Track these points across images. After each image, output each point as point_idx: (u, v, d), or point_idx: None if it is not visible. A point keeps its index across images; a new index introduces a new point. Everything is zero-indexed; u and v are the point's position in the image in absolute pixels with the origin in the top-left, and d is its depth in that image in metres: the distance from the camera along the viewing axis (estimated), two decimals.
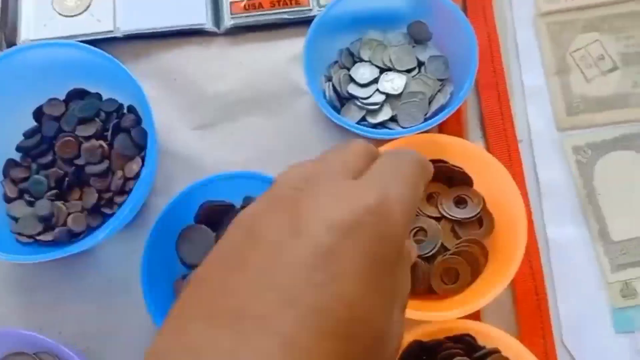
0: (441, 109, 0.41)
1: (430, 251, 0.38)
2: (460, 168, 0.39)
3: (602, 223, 0.41)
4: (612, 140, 0.42)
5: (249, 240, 0.21)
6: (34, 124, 0.43)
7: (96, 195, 0.41)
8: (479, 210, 0.38)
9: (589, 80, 0.44)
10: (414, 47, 0.44)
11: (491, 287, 0.36)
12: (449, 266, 0.38)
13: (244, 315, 0.19)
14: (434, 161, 0.40)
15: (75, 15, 0.46)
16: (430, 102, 0.42)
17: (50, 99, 0.43)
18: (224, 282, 0.21)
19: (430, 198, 0.40)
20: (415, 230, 0.39)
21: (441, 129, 0.43)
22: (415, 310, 0.35)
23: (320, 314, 0.20)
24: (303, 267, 0.20)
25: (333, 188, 0.22)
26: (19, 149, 0.43)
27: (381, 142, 0.41)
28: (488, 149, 0.43)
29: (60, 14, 0.46)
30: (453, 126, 0.42)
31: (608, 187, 0.41)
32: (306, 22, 0.45)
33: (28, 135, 0.43)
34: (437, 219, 0.39)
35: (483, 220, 0.39)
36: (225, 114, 0.45)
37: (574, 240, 0.41)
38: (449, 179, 0.40)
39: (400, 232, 0.22)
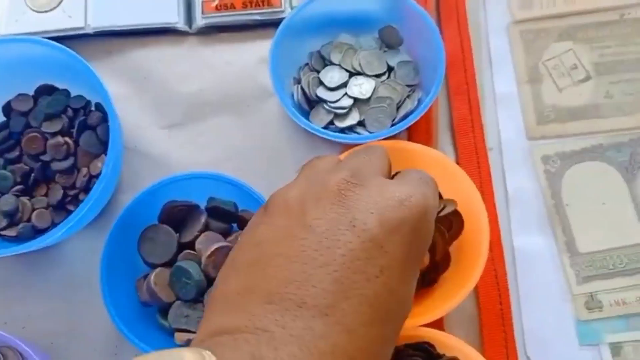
0: (408, 115, 0.41)
1: None
2: None
3: (569, 234, 0.40)
4: (581, 151, 0.42)
5: (302, 228, 0.23)
6: (2, 119, 0.43)
7: (61, 191, 0.41)
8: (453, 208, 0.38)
9: (561, 90, 0.43)
10: (385, 51, 0.44)
11: (452, 295, 0.36)
12: None
13: (306, 304, 0.21)
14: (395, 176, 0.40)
15: (47, 11, 0.46)
16: (398, 108, 0.41)
17: (19, 94, 0.43)
18: (280, 269, 0.22)
19: None
20: None
21: (410, 135, 0.42)
22: None
23: (373, 304, 0.22)
24: (356, 259, 0.22)
25: (379, 184, 0.25)
26: None
27: (347, 146, 0.40)
28: (457, 157, 0.43)
29: (32, 10, 0.46)
30: (422, 133, 0.42)
31: (576, 198, 0.41)
32: (278, 23, 0.45)
33: None
34: None
35: (452, 221, 0.39)
36: (194, 113, 0.44)
37: (541, 251, 0.40)
38: None
39: (432, 228, 0.26)
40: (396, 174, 0.31)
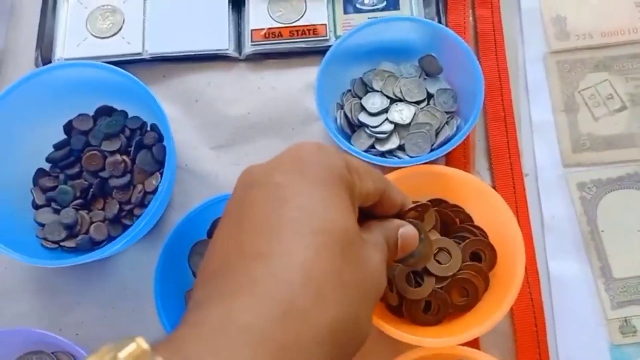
0: (447, 140, 0.43)
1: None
2: (459, 207, 0.41)
3: (604, 260, 0.41)
4: (617, 179, 0.43)
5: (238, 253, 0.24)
6: (64, 137, 0.46)
7: (118, 206, 0.43)
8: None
9: (597, 119, 0.45)
10: (425, 79, 0.45)
11: (488, 317, 0.37)
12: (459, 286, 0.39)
13: (248, 259, 0.23)
14: (433, 203, 0.41)
15: (107, 37, 0.49)
16: (437, 134, 0.43)
17: (80, 114, 0.46)
18: (231, 237, 0.24)
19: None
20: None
21: (448, 160, 0.44)
22: (413, 336, 0.36)
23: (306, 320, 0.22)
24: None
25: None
26: (48, 159, 0.45)
27: (388, 169, 0.42)
28: (494, 182, 0.44)
29: (93, 35, 0.49)
30: (459, 158, 0.44)
31: (611, 225, 0.42)
32: (323, 51, 0.47)
33: (58, 147, 0.46)
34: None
35: (485, 254, 0.40)
36: (242, 136, 0.47)
37: (576, 276, 0.41)
38: (447, 217, 0.41)
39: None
40: None
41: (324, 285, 0.23)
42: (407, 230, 0.30)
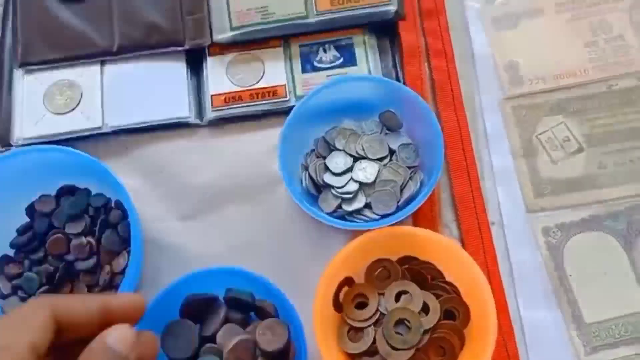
0: (412, 196, 0.43)
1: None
2: (430, 264, 0.41)
3: (574, 306, 0.42)
4: (580, 222, 0.44)
5: None
6: (26, 219, 0.45)
7: (85, 290, 0.43)
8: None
9: (556, 162, 0.45)
10: (386, 134, 0.46)
11: None
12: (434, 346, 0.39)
13: None
14: (404, 260, 0.42)
15: (65, 113, 0.49)
16: (402, 190, 0.43)
17: (42, 195, 0.46)
18: None
19: (400, 295, 0.41)
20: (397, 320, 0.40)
21: (415, 215, 0.44)
22: None
23: None
24: None
25: None
26: (12, 245, 0.45)
27: (359, 232, 0.42)
28: (461, 233, 0.44)
29: (51, 112, 0.49)
30: (426, 213, 0.44)
31: (578, 269, 0.43)
32: (284, 112, 0.48)
33: (21, 231, 0.45)
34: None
35: (459, 311, 0.40)
36: (208, 204, 0.47)
37: (548, 323, 0.42)
38: (419, 275, 0.41)
39: None
40: None
41: None
42: (115, 334, 0.27)
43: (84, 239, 0.43)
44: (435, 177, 0.41)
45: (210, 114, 0.48)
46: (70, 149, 0.43)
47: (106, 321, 0.28)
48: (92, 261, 0.43)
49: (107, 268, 0.43)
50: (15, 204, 0.45)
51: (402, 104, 0.45)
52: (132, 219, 0.42)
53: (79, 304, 0.28)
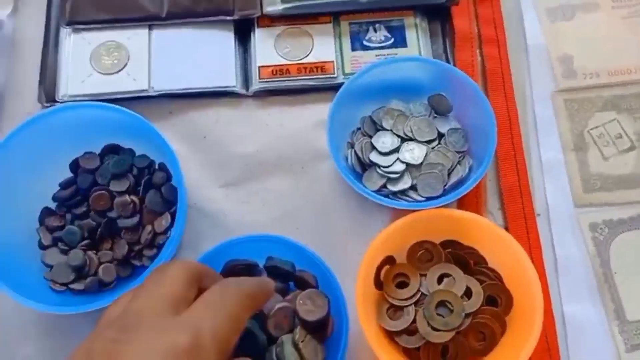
0: (460, 181, 0.42)
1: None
2: (473, 249, 0.40)
3: (618, 302, 0.41)
4: (628, 220, 0.43)
5: None
6: (70, 175, 0.45)
7: (126, 247, 0.42)
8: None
9: (607, 158, 0.45)
10: (434, 118, 0.45)
11: None
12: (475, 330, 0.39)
13: None
14: (446, 244, 0.41)
15: (112, 74, 0.49)
16: (449, 174, 0.43)
17: (86, 153, 0.45)
18: None
19: (442, 278, 0.40)
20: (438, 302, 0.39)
21: (460, 201, 0.44)
22: None
23: None
24: None
25: (148, 335, 0.25)
26: (55, 198, 0.44)
27: (398, 210, 0.42)
28: (506, 222, 0.44)
29: (98, 72, 0.49)
30: (472, 199, 0.44)
31: (624, 266, 0.42)
32: (331, 88, 0.47)
33: (64, 186, 0.45)
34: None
35: (501, 298, 0.40)
36: (250, 173, 0.46)
37: (590, 318, 0.41)
38: (462, 259, 0.41)
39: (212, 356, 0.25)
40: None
41: None
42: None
43: (127, 197, 0.43)
44: (486, 163, 0.41)
45: (256, 85, 0.48)
46: (117, 106, 0.42)
47: None
48: (134, 219, 0.43)
49: (148, 228, 0.42)
50: (59, 158, 0.45)
51: (453, 88, 0.45)
52: (178, 180, 0.41)
53: (212, 277, 0.29)
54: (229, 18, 0.49)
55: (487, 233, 0.40)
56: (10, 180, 0.43)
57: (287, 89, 0.48)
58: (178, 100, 0.48)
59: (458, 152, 0.44)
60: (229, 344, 0.27)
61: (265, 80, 0.48)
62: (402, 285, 0.41)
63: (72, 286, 0.42)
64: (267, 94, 0.48)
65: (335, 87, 0.46)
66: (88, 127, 0.44)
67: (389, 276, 0.41)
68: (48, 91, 0.48)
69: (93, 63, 0.49)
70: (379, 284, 0.41)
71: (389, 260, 0.41)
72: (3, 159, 0.42)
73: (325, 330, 0.39)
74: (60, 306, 0.39)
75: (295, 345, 0.38)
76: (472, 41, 0.48)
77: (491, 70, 0.48)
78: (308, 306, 0.38)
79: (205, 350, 0.25)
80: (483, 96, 0.42)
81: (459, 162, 0.43)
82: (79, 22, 0.50)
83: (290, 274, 0.40)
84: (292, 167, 0.47)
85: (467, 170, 0.43)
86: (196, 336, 0.25)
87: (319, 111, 0.47)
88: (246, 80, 0.49)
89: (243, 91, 0.48)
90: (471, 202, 0.44)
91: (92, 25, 0.50)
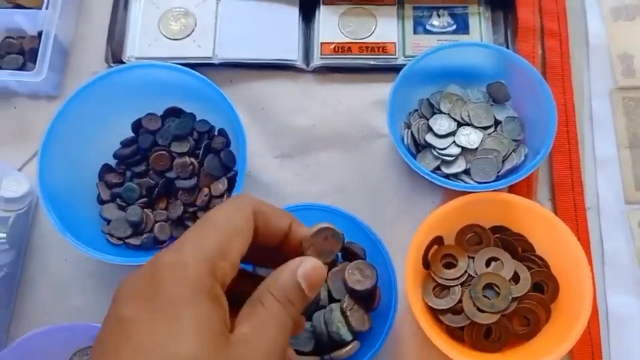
0: (513, 169, 0.43)
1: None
2: (522, 236, 0.41)
3: None
4: None
5: None
6: (131, 135, 0.47)
7: (182, 207, 0.44)
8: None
9: None
10: (492, 105, 0.46)
11: (551, 349, 0.37)
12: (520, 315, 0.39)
13: None
14: (496, 229, 0.42)
15: (178, 39, 0.50)
16: (503, 161, 0.44)
17: (149, 114, 0.47)
18: None
19: (490, 261, 0.41)
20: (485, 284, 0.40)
21: (511, 188, 0.44)
22: None
23: None
24: None
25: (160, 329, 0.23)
26: (115, 156, 0.46)
27: (450, 192, 0.43)
28: (556, 213, 0.44)
29: (164, 36, 0.50)
30: (523, 187, 0.44)
31: None
32: (390, 69, 0.48)
33: (125, 144, 0.46)
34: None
35: (548, 285, 0.40)
36: (305, 146, 0.47)
37: (633, 311, 0.42)
38: (510, 245, 0.41)
39: None
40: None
41: None
42: (306, 267, 0.27)
43: (187, 159, 0.44)
44: (544, 153, 0.41)
45: (317, 61, 0.49)
46: (188, 69, 0.43)
47: (287, 241, 0.29)
48: (192, 181, 0.44)
49: (205, 190, 0.44)
50: (122, 118, 0.46)
51: (513, 76, 0.45)
52: (242, 146, 0.42)
53: (275, 215, 0.28)
54: None
55: (538, 219, 0.40)
56: (74, 135, 0.44)
57: (347, 66, 0.49)
58: (239, 70, 0.49)
59: (514, 141, 0.44)
60: (231, 253, 0.26)
61: (326, 56, 0.49)
62: (449, 266, 0.42)
63: (128, 241, 0.43)
64: (326, 71, 0.49)
65: (395, 68, 0.46)
66: (153, 88, 0.46)
67: (437, 256, 0.42)
68: (115, 51, 0.50)
69: (161, 27, 0.50)
70: (426, 262, 0.41)
71: (438, 240, 0.42)
72: (70, 114, 0.43)
73: (372, 301, 0.40)
74: (118, 257, 0.41)
75: (343, 313, 0.39)
76: (535, 33, 0.49)
77: (551, 63, 0.48)
78: (357, 276, 0.39)
79: None
80: (546, 87, 0.43)
81: (514, 150, 0.44)
82: None
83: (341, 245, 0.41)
84: (346, 143, 0.47)
85: (522, 158, 0.43)
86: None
87: (376, 91, 0.48)
88: (307, 56, 0.50)
89: (303, 66, 0.49)
90: (522, 191, 0.44)
91: None
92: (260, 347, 0.25)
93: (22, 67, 0.49)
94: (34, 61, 0.47)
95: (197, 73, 0.43)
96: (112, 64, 0.50)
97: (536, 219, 0.41)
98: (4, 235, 0.45)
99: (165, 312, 0.23)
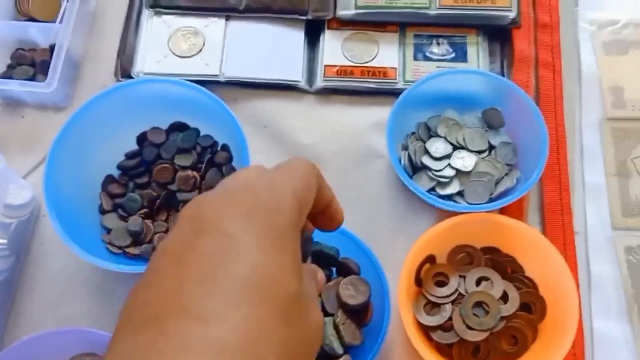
0: (506, 192, 0.44)
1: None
2: (511, 257, 0.43)
3: None
4: None
5: (190, 252, 0.22)
6: (136, 147, 0.48)
7: None
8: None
9: None
10: (486, 130, 0.48)
11: None
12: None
13: (187, 316, 0.21)
14: (487, 250, 0.43)
15: (186, 57, 0.52)
16: (496, 184, 0.45)
17: (154, 127, 0.48)
18: (171, 285, 0.22)
19: (481, 280, 0.42)
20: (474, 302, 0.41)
21: (502, 209, 0.46)
22: None
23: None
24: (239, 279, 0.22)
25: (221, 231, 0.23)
26: (119, 167, 0.47)
27: (444, 212, 0.44)
28: (545, 236, 0.45)
29: (173, 54, 0.52)
30: (514, 210, 0.46)
31: None
32: (390, 93, 0.50)
33: (129, 156, 0.47)
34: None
35: (536, 306, 0.41)
36: None
37: (618, 335, 0.43)
38: (500, 265, 0.43)
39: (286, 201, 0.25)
40: None
41: (265, 352, 0.21)
42: (321, 275, 0.29)
43: (190, 172, 0.46)
44: (535, 177, 0.43)
45: (320, 83, 0.51)
46: (195, 84, 0.45)
47: (323, 213, 0.30)
48: (194, 194, 0.45)
49: None
50: (127, 130, 0.48)
51: (508, 103, 0.47)
52: (245, 161, 0.43)
53: (327, 187, 0.29)
54: (302, 17, 0.52)
55: (528, 241, 0.42)
56: (81, 145, 0.45)
57: (349, 89, 0.51)
58: (244, 89, 0.51)
59: (507, 165, 0.46)
60: (306, 198, 0.26)
61: (329, 78, 0.51)
62: (441, 284, 0.43)
63: (128, 250, 0.44)
64: (329, 92, 0.51)
65: (395, 92, 0.48)
66: (159, 103, 0.47)
67: (429, 274, 0.43)
68: (124, 66, 0.52)
69: (170, 45, 0.52)
70: (418, 280, 0.43)
71: (430, 258, 0.43)
72: (78, 125, 0.44)
73: (365, 316, 0.41)
74: (117, 264, 0.41)
75: (336, 327, 0.40)
76: (529, 63, 0.51)
77: (545, 92, 0.50)
78: (350, 291, 0.40)
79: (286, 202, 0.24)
80: (540, 115, 0.45)
81: (506, 174, 0.45)
82: (162, 7, 0.53)
83: (334, 260, 0.42)
84: (344, 163, 0.49)
85: (514, 182, 0.45)
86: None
87: (376, 113, 0.50)
88: (311, 77, 0.52)
89: (307, 87, 0.51)
90: (513, 214, 0.45)
91: (173, 10, 0.53)
92: None
93: (32, 78, 0.51)
94: (44, 73, 0.49)
95: (203, 89, 0.45)
96: (121, 79, 0.51)
97: (526, 241, 0.42)
98: (5, 241, 0.46)
99: (271, 240, 0.23)
